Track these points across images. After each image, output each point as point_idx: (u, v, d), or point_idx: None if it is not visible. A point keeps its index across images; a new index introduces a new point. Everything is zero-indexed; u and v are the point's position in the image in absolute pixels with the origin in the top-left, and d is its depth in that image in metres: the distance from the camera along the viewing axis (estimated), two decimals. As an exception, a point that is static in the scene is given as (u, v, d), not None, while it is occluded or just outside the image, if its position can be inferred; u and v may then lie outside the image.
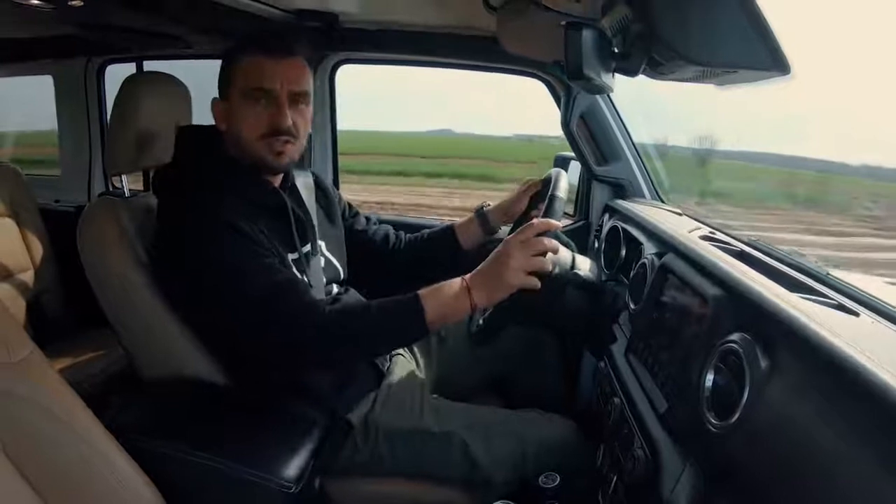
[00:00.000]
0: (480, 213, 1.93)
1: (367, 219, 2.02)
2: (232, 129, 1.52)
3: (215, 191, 1.46)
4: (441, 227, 1.98)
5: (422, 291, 1.42)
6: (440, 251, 1.93)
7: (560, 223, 1.46)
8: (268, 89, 1.47)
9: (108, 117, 1.72)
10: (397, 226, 2.05)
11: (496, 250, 1.43)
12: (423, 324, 1.39)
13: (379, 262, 1.94)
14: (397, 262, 1.96)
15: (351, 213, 1.98)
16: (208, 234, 1.40)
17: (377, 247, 1.96)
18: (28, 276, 2.47)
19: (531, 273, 1.39)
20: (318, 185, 1.85)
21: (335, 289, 1.73)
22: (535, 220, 1.44)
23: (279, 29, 2.16)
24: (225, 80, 1.52)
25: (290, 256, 1.54)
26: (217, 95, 1.56)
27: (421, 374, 1.84)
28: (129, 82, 1.64)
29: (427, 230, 2.00)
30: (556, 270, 1.50)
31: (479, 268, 1.43)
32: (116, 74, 3.04)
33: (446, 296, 1.41)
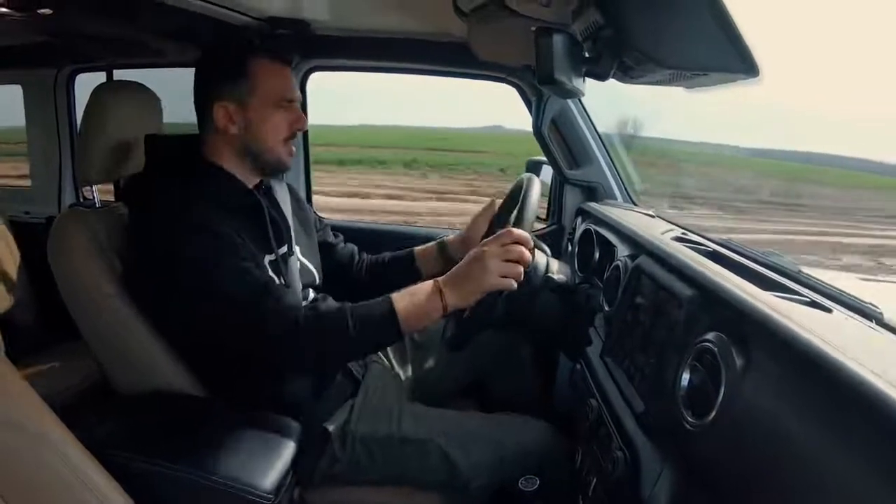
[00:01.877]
0: (441, 244, 1.93)
1: (335, 235, 2.03)
2: (250, 133, 1.55)
3: (187, 195, 1.46)
4: (402, 253, 1.98)
5: (394, 294, 1.42)
6: (399, 276, 1.91)
7: (528, 235, 1.46)
8: (291, 99, 1.58)
9: (79, 127, 1.71)
10: (379, 234, 2.06)
11: (470, 253, 1.44)
12: (396, 326, 1.39)
13: (342, 278, 1.94)
14: (358, 282, 1.96)
15: (321, 224, 1.99)
16: (181, 237, 1.39)
17: (342, 264, 1.97)
18: (-2, 289, 2.44)
19: (505, 277, 1.39)
20: (293, 195, 1.86)
21: (311, 294, 1.72)
22: (512, 229, 1.44)
23: (251, 37, 2.15)
24: (235, 85, 1.53)
25: (267, 258, 1.54)
26: (192, 102, 1.58)
27: (398, 381, 1.84)
28: (99, 91, 1.62)
29: (388, 254, 2.00)
30: (531, 274, 1.51)
31: (451, 270, 1.44)
32: (86, 83, 3.01)
33: (418, 298, 1.41)
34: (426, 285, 1.42)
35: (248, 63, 1.53)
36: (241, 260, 1.41)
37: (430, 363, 1.97)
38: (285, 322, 1.36)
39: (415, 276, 1.92)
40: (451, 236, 1.92)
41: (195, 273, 1.38)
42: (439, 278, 1.43)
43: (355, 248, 2.03)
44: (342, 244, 2.01)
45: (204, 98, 1.55)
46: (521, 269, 1.41)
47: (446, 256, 1.90)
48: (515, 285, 1.40)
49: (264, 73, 1.54)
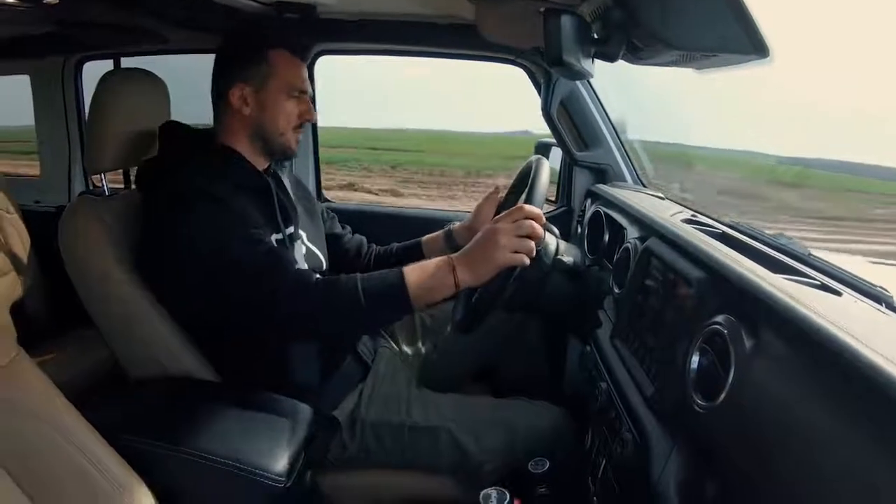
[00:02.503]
0: (447, 232, 1.92)
1: (343, 226, 2.04)
2: (262, 116, 1.62)
3: (200, 171, 1.50)
4: (409, 243, 1.97)
5: (406, 267, 1.42)
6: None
7: (539, 211, 1.45)
8: (304, 91, 1.66)
9: (87, 115, 1.71)
10: (394, 217, 2.05)
11: (482, 231, 1.43)
12: (407, 299, 1.38)
13: (349, 270, 1.92)
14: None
15: (328, 216, 2.00)
16: (193, 208, 1.42)
17: (350, 255, 1.97)
18: (10, 279, 2.44)
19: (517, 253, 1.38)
20: (299, 185, 1.90)
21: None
22: (523, 205, 1.43)
23: (255, 26, 2.15)
24: (254, 69, 1.60)
25: (274, 236, 1.55)
26: (206, 90, 1.65)
27: (407, 367, 1.85)
28: (106, 79, 1.62)
29: (396, 245, 2.00)
30: (540, 255, 1.50)
31: (464, 248, 1.43)
32: (94, 72, 3.01)
33: (430, 272, 1.40)
34: (439, 261, 1.42)
35: (268, 52, 1.60)
36: (253, 229, 1.45)
37: (439, 347, 1.97)
38: (297, 285, 1.38)
39: None
40: (456, 224, 1.91)
41: (208, 241, 1.39)
42: (453, 255, 1.42)
43: (363, 239, 2.04)
44: (349, 235, 2.02)
45: (223, 80, 1.61)
46: (533, 244, 1.40)
47: (453, 245, 1.88)
48: (528, 261, 1.39)
49: (282, 63, 1.61)
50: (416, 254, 1.92)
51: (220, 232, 1.40)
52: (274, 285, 1.37)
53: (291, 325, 1.44)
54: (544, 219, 1.44)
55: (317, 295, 1.38)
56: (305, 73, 1.67)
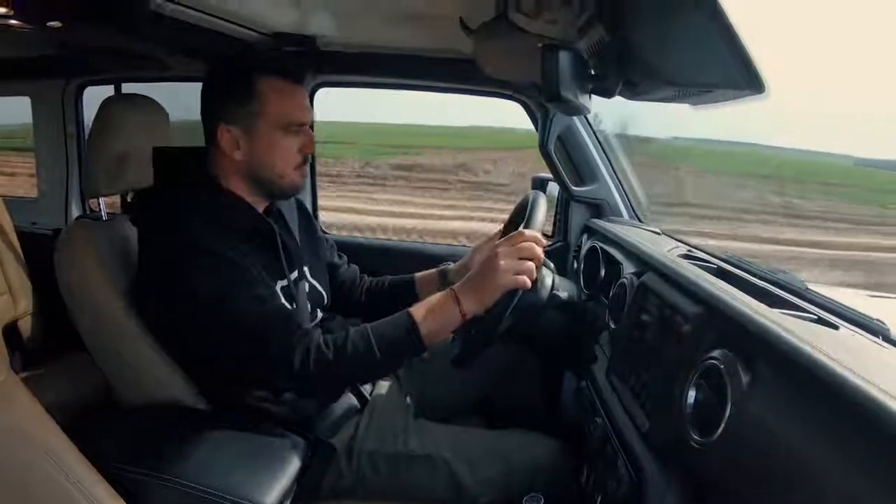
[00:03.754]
0: (442, 272, 1.89)
1: (340, 256, 2.01)
2: (259, 159, 1.50)
3: (201, 219, 1.43)
4: (402, 278, 1.94)
5: (412, 309, 1.41)
6: (398, 301, 1.75)
7: (539, 235, 1.46)
8: (302, 122, 1.52)
9: (86, 139, 1.71)
10: (388, 250, 2.04)
11: (482, 259, 1.43)
12: (420, 341, 1.38)
13: (342, 299, 1.91)
14: (357, 304, 1.93)
15: (328, 245, 1.97)
16: (196, 263, 1.37)
17: (344, 286, 1.94)
18: (4, 301, 2.43)
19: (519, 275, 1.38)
20: (302, 212, 1.84)
21: (319, 314, 1.71)
22: (523, 230, 1.44)
23: (259, 52, 2.16)
24: (242, 107, 1.47)
25: (280, 284, 1.52)
26: (202, 117, 1.54)
27: (404, 397, 1.83)
28: (107, 104, 1.63)
29: (389, 278, 1.97)
30: (537, 289, 1.50)
31: (466, 279, 1.43)
32: (95, 96, 3.02)
33: (436, 308, 1.40)
34: (441, 296, 1.42)
35: (256, 82, 1.47)
36: (257, 288, 1.40)
37: (436, 379, 1.96)
38: (303, 356, 1.35)
39: (413, 302, 1.89)
40: (451, 265, 1.89)
41: (211, 301, 1.36)
42: (454, 286, 1.42)
43: (357, 270, 2.02)
44: (346, 266, 1.99)
45: (209, 118, 1.51)
46: (533, 266, 1.39)
47: (447, 283, 1.83)
48: (529, 283, 1.39)
49: (273, 95, 1.48)
50: (409, 289, 1.90)
51: (225, 291, 1.36)
52: (285, 347, 1.35)
53: (304, 385, 1.43)
54: (544, 241, 1.45)
55: (331, 356, 1.36)
56: (303, 100, 1.54)
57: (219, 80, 1.54)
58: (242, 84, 1.48)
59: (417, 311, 1.40)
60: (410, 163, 18.79)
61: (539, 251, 1.41)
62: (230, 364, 1.44)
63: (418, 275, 1.92)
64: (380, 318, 1.43)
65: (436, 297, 1.42)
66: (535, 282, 1.42)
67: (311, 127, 1.57)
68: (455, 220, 11.73)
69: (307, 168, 1.59)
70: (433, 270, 1.90)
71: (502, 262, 1.37)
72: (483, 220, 11.74)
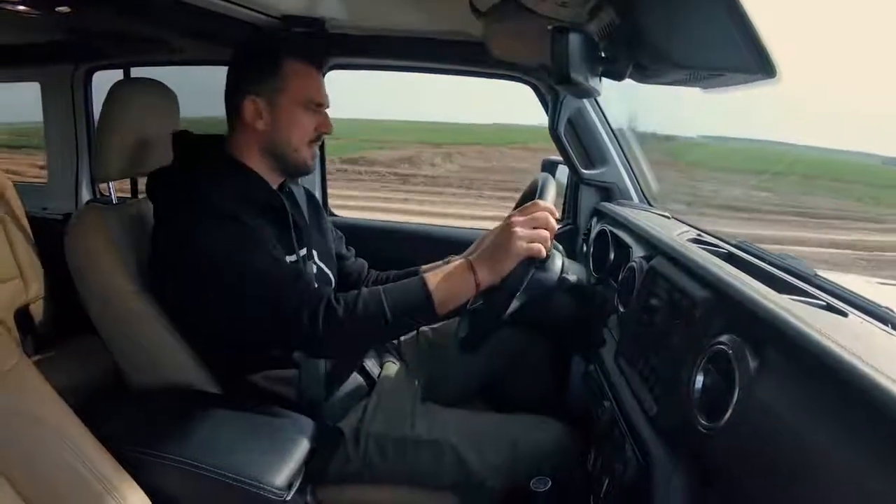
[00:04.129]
0: (447, 262, 1.86)
1: (349, 248, 2.02)
2: (276, 131, 1.57)
3: (218, 189, 1.46)
4: (408, 273, 1.89)
5: (426, 274, 1.43)
6: None
7: (552, 206, 1.45)
8: (320, 103, 1.60)
9: (96, 124, 1.71)
10: (398, 233, 2.03)
11: (496, 228, 1.45)
12: (432, 306, 1.39)
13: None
14: None
15: (337, 235, 1.98)
16: (211, 226, 1.39)
17: (350, 280, 1.94)
18: (15, 285, 2.45)
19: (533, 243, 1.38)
20: (311, 200, 1.86)
21: None
22: (537, 200, 1.44)
23: (269, 35, 2.16)
24: (267, 81, 1.55)
25: (289, 258, 1.54)
26: (205, 100, 1.57)
27: (411, 381, 1.83)
28: (116, 88, 1.63)
29: (394, 272, 1.96)
30: (546, 272, 1.50)
31: (480, 250, 1.44)
32: (104, 81, 3.02)
33: (450, 276, 1.41)
34: (457, 264, 1.43)
35: (282, 62, 1.55)
36: (270, 250, 1.43)
37: (444, 363, 1.96)
38: (321, 303, 1.36)
39: None
40: (456, 258, 1.89)
41: (228, 259, 1.38)
42: (470, 257, 1.43)
43: (364, 263, 2.02)
44: (353, 259, 2.00)
45: (235, 92, 1.57)
46: (548, 234, 1.40)
47: None
48: (544, 252, 1.39)
49: (296, 74, 1.56)
50: None
51: (240, 250, 1.39)
52: (298, 303, 1.36)
53: (316, 343, 1.42)
54: (558, 213, 1.44)
55: (342, 312, 1.36)
56: (321, 83, 1.63)
57: (248, 56, 1.61)
58: (270, 61, 1.56)
59: (432, 277, 1.41)
60: (357, 156, 18.82)
61: (553, 221, 1.41)
62: (241, 328, 1.44)
63: (424, 268, 1.89)
64: None
65: (451, 266, 1.43)
66: (547, 255, 1.43)
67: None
68: (356, 211, 12.02)
69: (317, 150, 1.65)
70: (439, 263, 1.88)
71: (517, 230, 1.37)
72: (387, 210, 11.90)
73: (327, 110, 1.63)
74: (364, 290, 1.41)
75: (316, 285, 1.49)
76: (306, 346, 1.45)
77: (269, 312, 1.37)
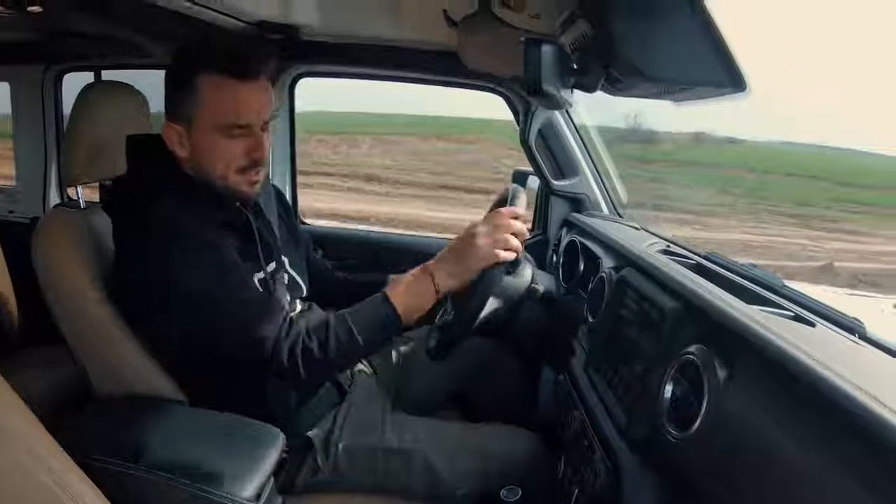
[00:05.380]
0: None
1: (316, 248, 2.00)
2: (199, 160, 1.42)
3: (178, 209, 1.38)
4: (376, 277, 1.85)
5: (388, 290, 1.41)
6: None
7: (522, 211, 1.45)
8: (246, 124, 1.39)
9: (65, 126, 1.69)
10: (369, 243, 2.02)
11: (460, 236, 1.42)
12: (398, 321, 1.38)
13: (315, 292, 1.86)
14: (330, 296, 1.85)
15: (304, 239, 1.94)
16: (175, 253, 1.34)
17: (319, 279, 1.88)
18: (-20, 290, 2.41)
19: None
20: (280, 201, 1.82)
21: (298, 305, 1.69)
22: (502, 209, 1.43)
23: (238, 41, 2.14)
24: (183, 103, 1.38)
25: (256, 276, 1.49)
26: None
27: (382, 390, 1.82)
28: (86, 91, 1.60)
29: (361, 276, 1.95)
30: (515, 284, 1.51)
31: (440, 255, 1.43)
32: (75, 83, 2.99)
33: (410, 287, 1.40)
34: (415, 272, 1.42)
35: (197, 78, 1.36)
36: (237, 278, 1.38)
37: (414, 372, 1.95)
38: (294, 348, 1.34)
39: None
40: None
41: (191, 288, 1.34)
42: (428, 262, 1.42)
43: (328, 264, 2.00)
44: (319, 258, 1.98)
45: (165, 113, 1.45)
46: (517, 241, 1.39)
47: None
48: (511, 256, 1.38)
49: (212, 92, 1.36)
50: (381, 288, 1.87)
51: (204, 278, 1.33)
52: (275, 342, 1.33)
53: (291, 376, 1.39)
54: (526, 217, 1.43)
55: (317, 349, 1.35)
56: (253, 97, 1.39)
57: (167, 74, 1.45)
58: (183, 79, 1.38)
59: (393, 290, 1.40)
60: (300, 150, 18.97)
61: (521, 226, 1.40)
62: (213, 354, 1.42)
63: (395, 278, 1.87)
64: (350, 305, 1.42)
65: (410, 276, 1.42)
66: (518, 261, 1.42)
67: (265, 127, 1.44)
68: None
69: (261, 174, 1.48)
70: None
71: (479, 239, 1.36)
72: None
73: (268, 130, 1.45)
74: (331, 318, 1.39)
75: (285, 311, 1.43)
76: (282, 377, 1.41)
77: (243, 349, 1.36)
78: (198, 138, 1.40)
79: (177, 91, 1.40)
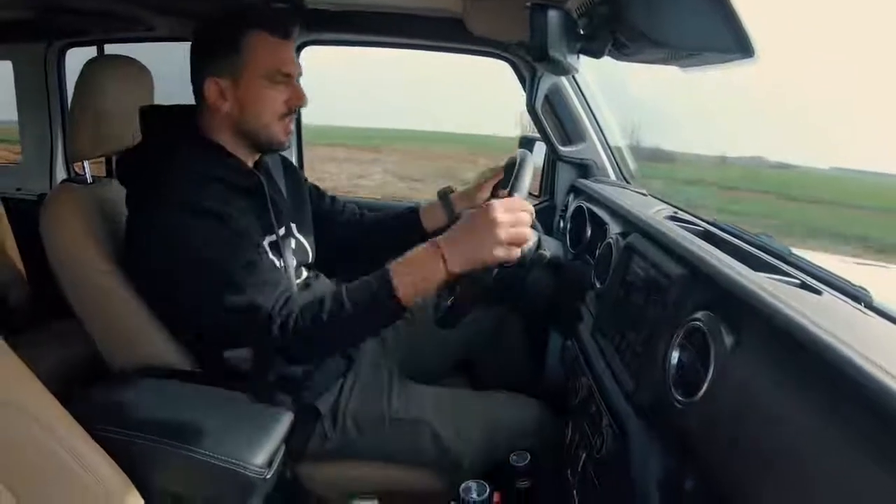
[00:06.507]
0: (445, 198, 1.86)
1: (333, 199, 1.98)
2: (244, 109, 1.51)
3: (190, 175, 1.42)
4: (406, 209, 1.92)
5: (393, 266, 1.34)
6: (405, 232, 1.83)
7: (532, 208, 1.43)
8: (288, 73, 1.52)
9: (70, 102, 1.68)
10: (365, 208, 2.02)
11: (475, 214, 1.34)
12: (399, 306, 1.33)
13: (345, 242, 1.90)
14: (362, 243, 1.92)
15: (317, 194, 1.95)
16: (191, 223, 1.36)
17: (343, 228, 1.92)
18: (-10, 267, 2.43)
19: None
20: (286, 165, 1.83)
21: (304, 273, 1.70)
22: (518, 198, 1.38)
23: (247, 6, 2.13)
24: (231, 59, 1.48)
25: (268, 239, 1.52)
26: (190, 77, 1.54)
27: (389, 359, 1.84)
28: (89, 66, 1.60)
29: (392, 210, 1.96)
30: (522, 250, 1.50)
31: (453, 234, 1.35)
32: (78, 59, 2.97)
33: (418, 265, 1.33)
34: (425, 250, 1.34)
35: (243, 35, 1.47)
36: (243, 249, 1.39)
37: (421, 341, 1.96)
38: (286, 324, 1.33)
39: (420, 231, 1.85)
40: (455, 191, 1.87)
41: (201, 259, 1.36)
42: (439, 239, 1.34)
43: (355, 207, 2.00)
44: (340, 208, 1.97)
45: (197, 73, 1.52)
46: (528, 236, 1.35)
47: (450, 212, 1.83)
48: (518, 253, 1.33)
49: (259, 47, 1.48)
50: (414, 220, 1.88)
51: (214, 249, 1.36)
52: (264, 318, 1.34)
53: (285, 351, 1.41)
54: (534, 216, 1.41)
55: (307, 326, 1.34)
56: (291, 53, 1.54)
57: (208, 34, 1.53)
58: (229, 36, 1.49)
59: (399, 269, 1.34)
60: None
61: (529, 225, 1.36)
62: (213, 326, 1.44)
63: (425, 206, 1.90)
64: (390, 251, 1.39)
65: (419, 253, 1.34)
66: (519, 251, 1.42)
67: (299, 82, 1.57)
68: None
69: (292, 125, 1.59)
70: (437, 202, 1.88)
71: (502, 227, 1.29)
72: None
73: (301, 82, 1.57)
74: (327, 297, 1.36)
75: (289, 294, 1.42)
76: (278, 352, 1.43)
77: (236, 320, 1.37)
78: (244, 90, 1.50)
79: (222, 49, 1.49)
